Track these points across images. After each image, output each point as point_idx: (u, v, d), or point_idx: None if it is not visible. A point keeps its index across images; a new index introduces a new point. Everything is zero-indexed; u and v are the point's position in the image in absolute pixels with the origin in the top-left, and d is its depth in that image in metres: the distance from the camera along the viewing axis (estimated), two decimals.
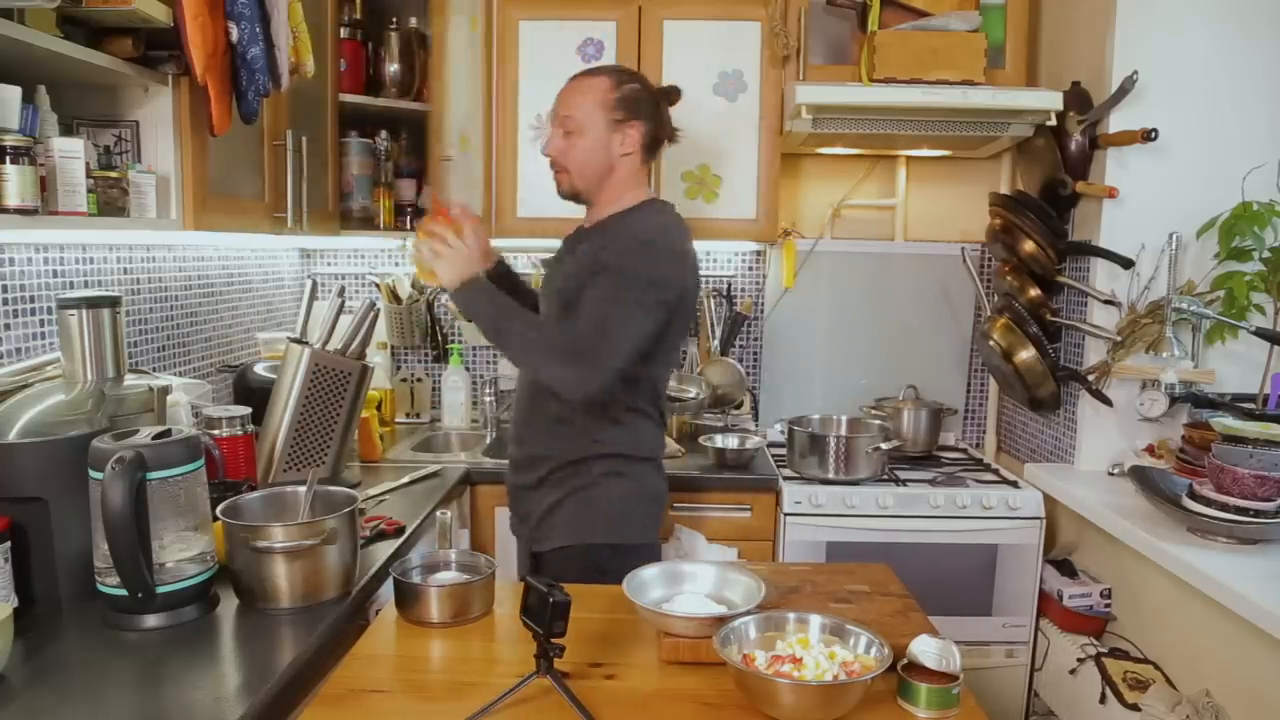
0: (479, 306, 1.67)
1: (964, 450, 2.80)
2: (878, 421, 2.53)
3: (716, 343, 2.78)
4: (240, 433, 1.74)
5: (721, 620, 1.20)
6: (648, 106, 1.73)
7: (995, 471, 2.52)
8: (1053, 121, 2.28)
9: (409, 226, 2.60)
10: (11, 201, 1.26)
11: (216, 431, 1.71)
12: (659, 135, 1.76)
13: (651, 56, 2.45)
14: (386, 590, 1.50)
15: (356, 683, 1.16)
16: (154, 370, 2.03)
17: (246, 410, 1.78)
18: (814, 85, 2.30)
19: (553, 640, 1.10)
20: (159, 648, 1.24)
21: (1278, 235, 2.09)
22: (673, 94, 1.78)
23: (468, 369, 2.90)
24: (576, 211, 2.50)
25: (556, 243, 2.67)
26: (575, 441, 1.73)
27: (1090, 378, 2.24)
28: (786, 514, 2.27)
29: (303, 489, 1.47)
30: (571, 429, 1.72)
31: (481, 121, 2.51)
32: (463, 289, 1.66)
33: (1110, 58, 2.18)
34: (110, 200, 1.49)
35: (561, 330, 1.67)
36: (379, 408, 2.59)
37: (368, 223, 2.54)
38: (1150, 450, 2.20)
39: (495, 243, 2.70)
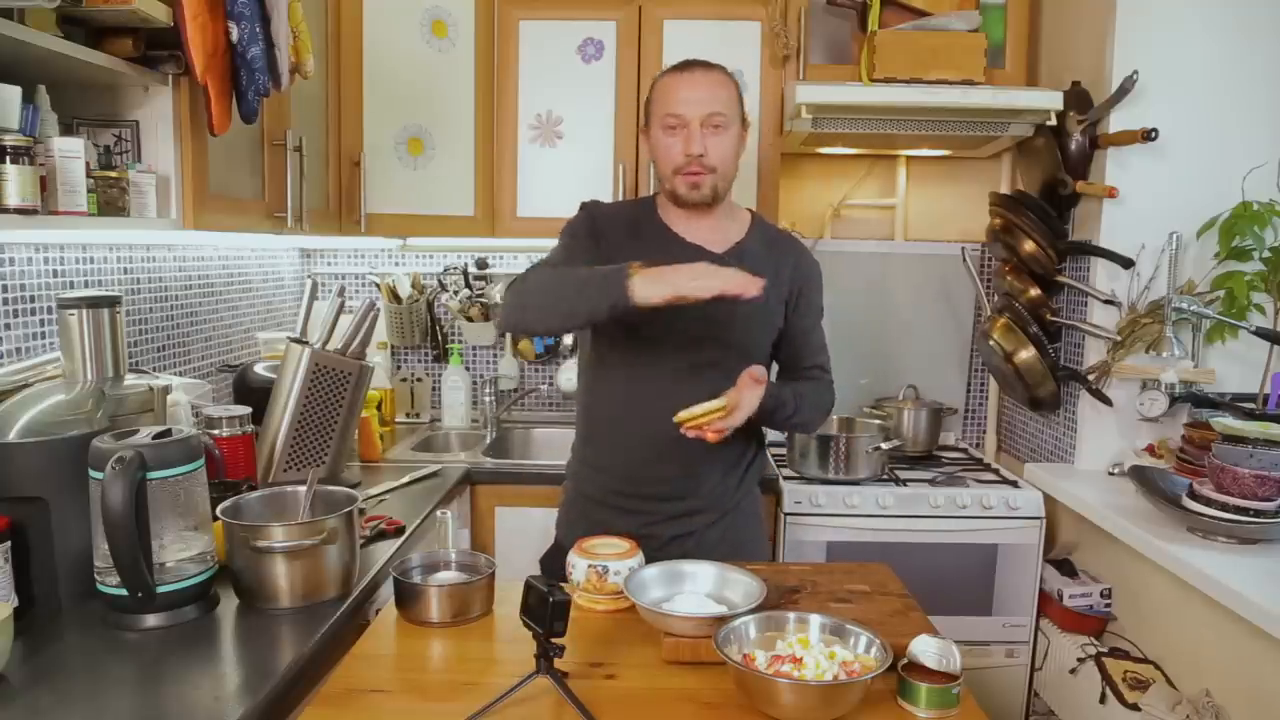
0: (778, 415, 1.63)
1: (964, 450, 2.80)
2: (878, 421, 2.53)
3: None
4: (240, 433, 1.74)
5: (721, 620, 1.20)
6: None
7: (995, 471, 2.52)
8: (1053, 121, 2.28)
9: None
10: (11, 201, 1.26)
11: (216, 431, 1.71)
12: None
13: (651, 56, 2.45)
14: (386, 590, 1.50)
15: (356, 683, 1.16)
16: (154, 370, 2.03)
17: (246, 410, 1.77)
18: (814, 85, 2.30)
19: (553, 640, 1.10)
20: (159, 648, 1.24)
21: (1278, 235, 2.09)
22: None
23: (468, 369, 2.90)
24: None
25: (556, 242, 2.69)
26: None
27: (1090, 377, 2.24)
28: (786, 514, 2.27)
29: (303, 489, 1.46)
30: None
31: (481, 121, 2.51)
32: (765, 412, 1.56)
33: (1110, 58, 2.18)
34: (110, 200, 1.49)
35: (828, 383, 1.76)
36: (379, 408, 2.59)
37: None
38: (1150, 450, 2.20)
39: (495, 243, 2.73)
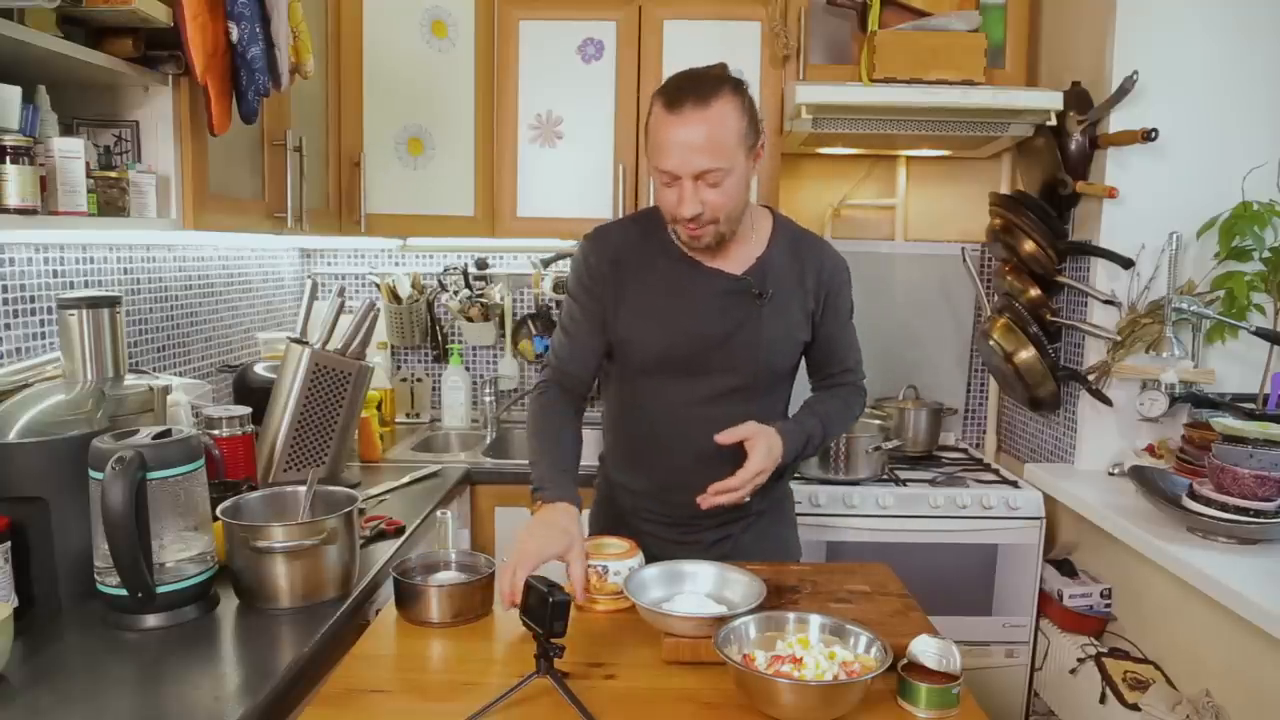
0: (807, 448, 1.57)
1: (964, 450, 2.80)
2: (878, 421, 2.53)
3: None
4: (240, 433, 1.74)
5: (721, 620, 1.20)
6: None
7: (995, 471, 2.52)
8: (1053, 121, 2.28)
9: None
10: (11, 201, 1.26)
11: (216, 431, 1.71)
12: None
13: (651, 56, 2.45)
14: (386, 590, 1.50)
15: (356, 683, 1.16)
16: (154, 370, 2.03)
17: (246, 410, 1.77)
18: (814, 85, 2.30)
19: (553, 640, 1.10)
20: (159, 648, 1.24)
21: (1278, 235, 2.09)
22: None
23: (468, 369, 2.90)
24: (576, 211, 2.52)
25: (556, 242, 2.70)
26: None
27: (1090, 378, 2.24)
28: None
29: (303, 489, 1.47)
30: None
31: (481, 121, 2.51)
32: (791, 454, 1.52)
33: (1110, 58, 2.18)
34: (110, 200, 1.49)
35: (857, 388, 1.74)
36: (379, 408, 2.59)
37: None
38: (1150, 450, 2.20)
39: (495, 243, 2.73)
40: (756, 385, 1.60)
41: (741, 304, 1.56)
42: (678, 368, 1.58)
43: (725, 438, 1.46)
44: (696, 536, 1.65)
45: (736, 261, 1.57)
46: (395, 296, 2.81)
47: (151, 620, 1.29)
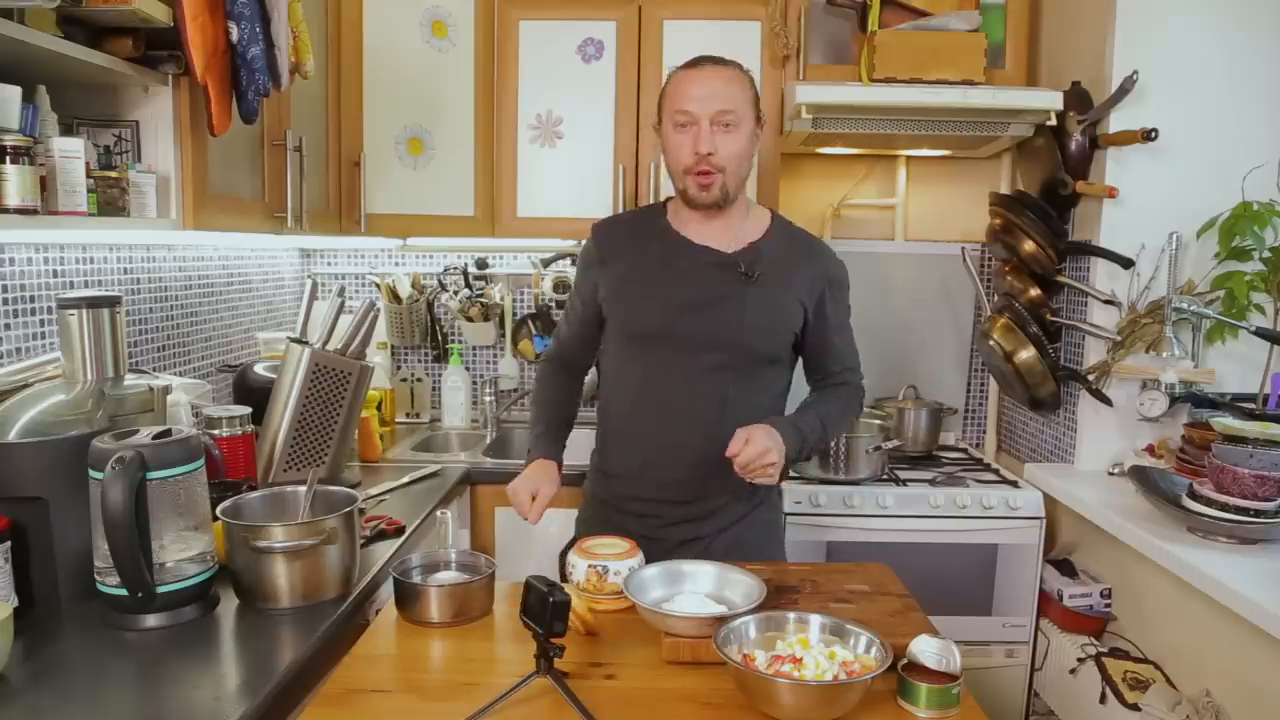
0: (807, 442, 1.60)
1: (964, 450, 2.80)
2: (878, 421, 2.53)
3: None
4: (240, 433, 1.74)
5: (721, 620, 1.20)
6: None
7: (995, 471, 2.52)
8: (1053, 121, 2.28)
9: None
10: (11, 201, 1.26)
11: (216, 431, 1.71)
12: None
13: (651, 56, 2.45)
14: (386, 590, 1.50)
15: (356, 683, 1.16)
16: (154, 370, 2.03)
17: (246, 410, 1.78)
18: (814, 85, 2.30)
19: (553, 640, 1.10)
20: (159, 648, 1.24)
21: (1278, 235, 2.09)
22: None
23: (468, 369, 2.90)
24: (576, 211, 2.52)
25: (556, 242, 2.71)
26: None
27: (1090, 377, 2.24)
28: (786, 514, 2.26)
29: (303, 489, 1.47)
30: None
31: (481, 121, 2.51)
32: (792, 452, 1.55)
33: (1110, 58, 2.18)
34: (110, 200, 1.49)
35: (856, 388, 1.78)
36: (379, 408, 2.59)
37: None
38: (1150, 450, 2.20)
39: (494, 243, 2.73)
40: (738, 365, 1.62)
41: (726, 279, 1.61)
42: (660, 337, 1.62)
43: (730, 450, 1.48)
44: (666, 534, 1.66)
45: (728, 242, 1.64)
46: (395, 296, 2.81)
47: (151, 620, 1.29)
